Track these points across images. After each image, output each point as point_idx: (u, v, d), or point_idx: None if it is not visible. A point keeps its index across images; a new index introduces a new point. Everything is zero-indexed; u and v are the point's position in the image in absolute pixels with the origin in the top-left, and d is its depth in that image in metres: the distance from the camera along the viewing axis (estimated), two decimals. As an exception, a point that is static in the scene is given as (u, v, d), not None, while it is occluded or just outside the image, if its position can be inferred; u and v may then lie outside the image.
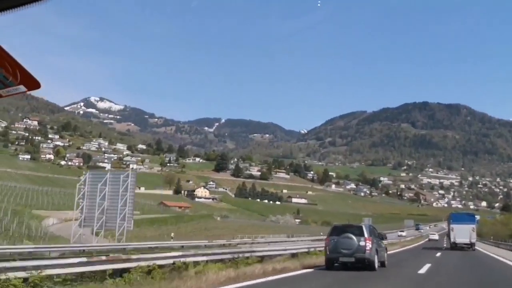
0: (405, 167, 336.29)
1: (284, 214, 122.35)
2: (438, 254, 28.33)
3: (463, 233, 35.74)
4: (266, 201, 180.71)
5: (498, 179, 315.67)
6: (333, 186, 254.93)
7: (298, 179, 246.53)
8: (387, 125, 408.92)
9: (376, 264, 15.11)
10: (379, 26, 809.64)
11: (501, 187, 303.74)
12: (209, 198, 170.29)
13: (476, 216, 47.12)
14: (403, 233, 73.03)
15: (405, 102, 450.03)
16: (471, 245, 35.94)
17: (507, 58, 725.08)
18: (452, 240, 36.51)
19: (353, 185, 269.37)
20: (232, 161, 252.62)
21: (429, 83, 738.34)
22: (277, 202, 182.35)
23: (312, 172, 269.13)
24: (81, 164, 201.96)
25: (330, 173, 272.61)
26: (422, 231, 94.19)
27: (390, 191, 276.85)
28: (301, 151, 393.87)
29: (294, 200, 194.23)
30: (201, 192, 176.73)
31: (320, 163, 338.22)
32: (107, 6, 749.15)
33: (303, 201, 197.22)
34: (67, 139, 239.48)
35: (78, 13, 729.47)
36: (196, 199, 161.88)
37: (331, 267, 15.10)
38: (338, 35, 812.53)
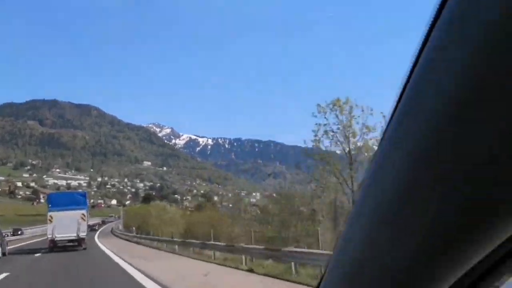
0: (29, 167, 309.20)
1: None
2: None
3: (67, 224, 25.26)
4: None
5: (126, 180, 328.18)
6: None
7: None
8: (10, 121, 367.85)
9: (0, 254, 22.52)
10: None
11: (129, 187, 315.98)
12: None
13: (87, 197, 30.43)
14: None
15: (33, 98, 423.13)
16: (78, 241, 26.34)
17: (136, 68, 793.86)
18: (50, 236, 26.09)
19: None
20: None
21: (59, 80, 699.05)
22: None
23: None
24: None
25: None
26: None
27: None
28: None
29: None
30: None
31: None
32: None
33: None
34: None
35: None
36: None
37: None
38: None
